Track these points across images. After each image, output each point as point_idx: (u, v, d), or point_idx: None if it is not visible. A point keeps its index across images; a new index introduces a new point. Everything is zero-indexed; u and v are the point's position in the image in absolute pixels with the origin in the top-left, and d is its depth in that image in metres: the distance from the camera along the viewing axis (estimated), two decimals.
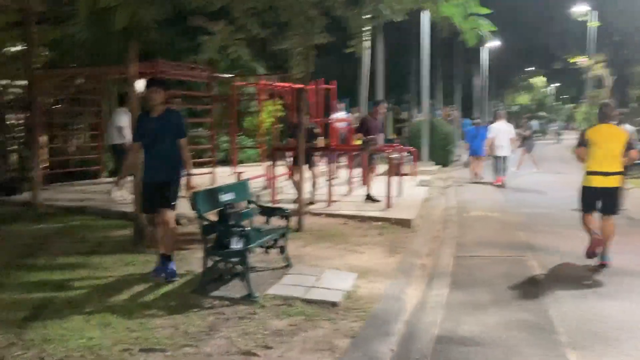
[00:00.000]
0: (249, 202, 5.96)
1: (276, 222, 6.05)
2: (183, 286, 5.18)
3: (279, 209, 5.92)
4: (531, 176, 16.82)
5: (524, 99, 63.62)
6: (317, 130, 9.78)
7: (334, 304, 4.75)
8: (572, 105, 64.88)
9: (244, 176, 10.90)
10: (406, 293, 5.28)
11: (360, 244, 7.13)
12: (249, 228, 5.81)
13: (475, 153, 16.23)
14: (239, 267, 4.80)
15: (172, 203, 5.45)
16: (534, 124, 47.31)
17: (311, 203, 9.81)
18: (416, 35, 23.88)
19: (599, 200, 6.39)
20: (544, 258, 6.63)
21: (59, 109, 12.97)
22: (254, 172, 12.09)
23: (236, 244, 4.89)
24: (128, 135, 9.44)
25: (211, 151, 12.31)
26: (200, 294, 4.91)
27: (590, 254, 6.29)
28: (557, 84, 61.84)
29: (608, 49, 30.23)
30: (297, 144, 7.91)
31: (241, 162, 17.59)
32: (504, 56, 47.64)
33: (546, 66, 49.47)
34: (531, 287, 5.51)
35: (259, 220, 6.06)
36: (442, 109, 28.64)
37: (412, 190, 12.01)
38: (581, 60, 33.22)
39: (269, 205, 6.94)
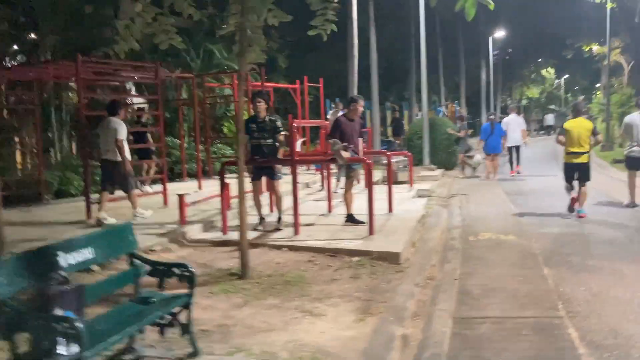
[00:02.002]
0: (132, 257, 3.90)
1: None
2: None
3: (178, 265, 3.84)
4: (550, 178, 14.59)
5: (533, 92, 61.09)
6: (279, 123, 7.64)
7: None
8: (582, 97, 62.16)
9: (195, 196, 8.92)
10: None
11: (323, 297, 5.07)
12: (136, 299, 3.78)
13: (490, 151, 14.90)
14: None
15: None
16: (550, 117, 45.05)
17: (276, 229, 7.78)
18: (416, 25, 21.77)
19: (575, 172, 8.77)
20: (587, 321, 4.42)
21: None
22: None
23: (66, 350, 2.83)
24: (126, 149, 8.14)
25: (161, 165, 10.25)
26: None
27: (570, 209, 8.84)
28: (567, 76, 59.12)
29: (625, 33, 27.88)
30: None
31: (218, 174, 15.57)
32: (511, 47, 45.42)
33: (556, 56, 46.87)
34: None
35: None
36: (445, 105, 26.50)
37: (408, 203, 9.93)
38: (595, 48, 30.91)
39: (163, 261, 4.69)
